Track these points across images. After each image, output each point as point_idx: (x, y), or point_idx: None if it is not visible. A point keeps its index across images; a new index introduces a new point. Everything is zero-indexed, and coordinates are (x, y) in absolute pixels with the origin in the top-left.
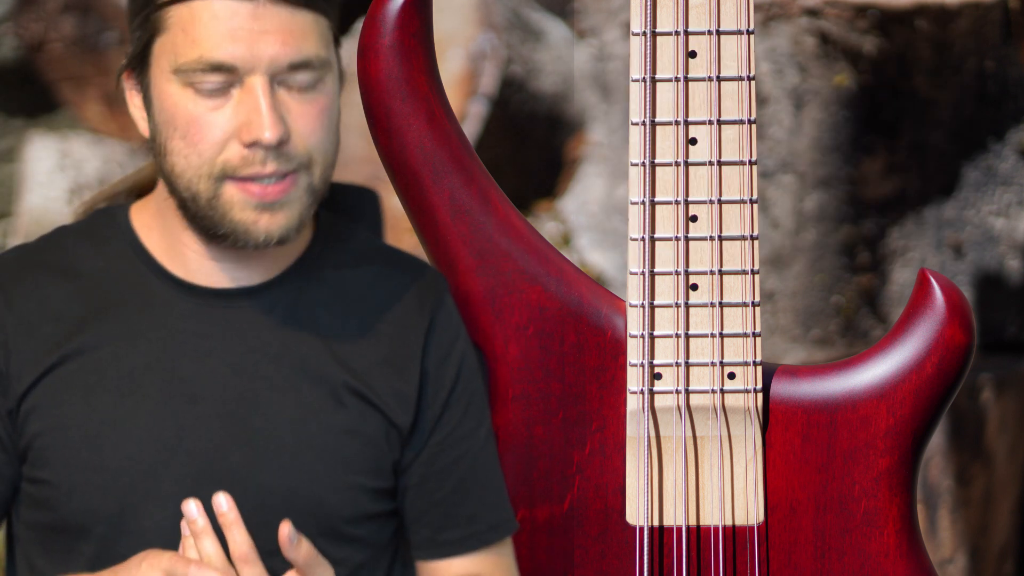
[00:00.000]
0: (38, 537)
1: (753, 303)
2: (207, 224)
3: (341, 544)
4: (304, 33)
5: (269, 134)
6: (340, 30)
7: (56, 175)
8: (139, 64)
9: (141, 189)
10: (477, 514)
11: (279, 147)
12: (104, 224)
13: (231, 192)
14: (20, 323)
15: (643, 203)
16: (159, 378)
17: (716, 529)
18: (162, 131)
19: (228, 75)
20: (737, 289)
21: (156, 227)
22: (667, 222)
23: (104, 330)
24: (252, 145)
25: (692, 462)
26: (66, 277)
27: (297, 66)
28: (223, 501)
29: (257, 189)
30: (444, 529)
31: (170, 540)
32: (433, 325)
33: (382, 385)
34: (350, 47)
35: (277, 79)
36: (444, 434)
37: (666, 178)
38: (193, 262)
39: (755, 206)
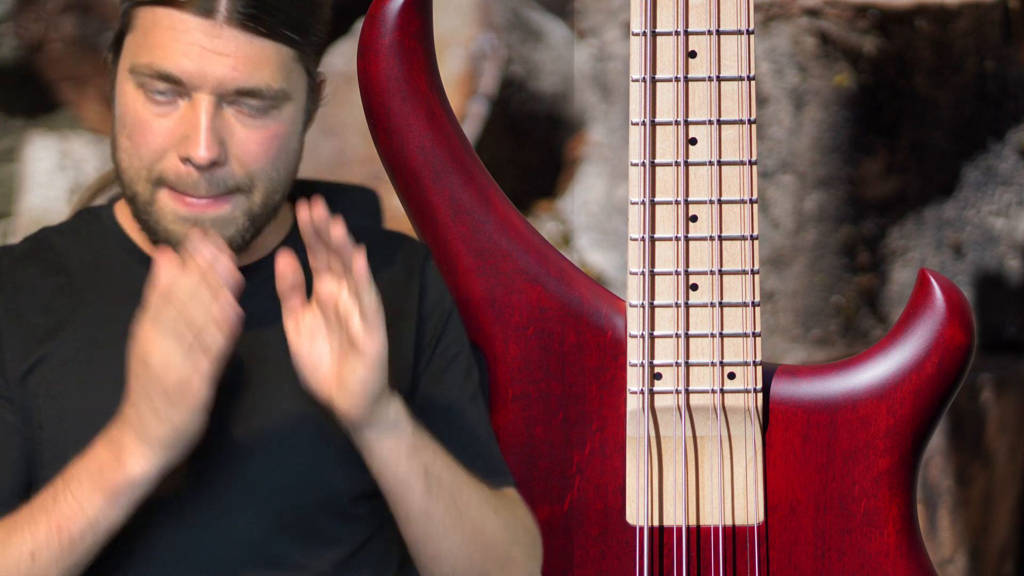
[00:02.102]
0: None
1: (753, 303)
2: (144, 227)
3: (342, 522)
4: (260, 62)
5: (203, 153)
6: (316, 61)
7: (56, 175)
8: (114, 54)
9: None
10: (470, 464)
11: (212, 168)
12: (89, 222)
13: (165, 200)
14: (8, 311)
15: (643, 203)
16: None
17: (716, 529)
18: (117, 124)
19: (175, 86)
20: (737, 289)
21: None
22: (667, 222)
23: (94, 320)
24: (186, 161)
25: (692, 462)
26: (54, 272)
27: (245, 92)
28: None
29: (191, 202)
30: None
31: (171, 518)
32: (424, 286)
33: None
34: (350, 47)
35: (225, 100)
36: (430, 381)
37: (666, 178)
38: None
39: (755, 206)
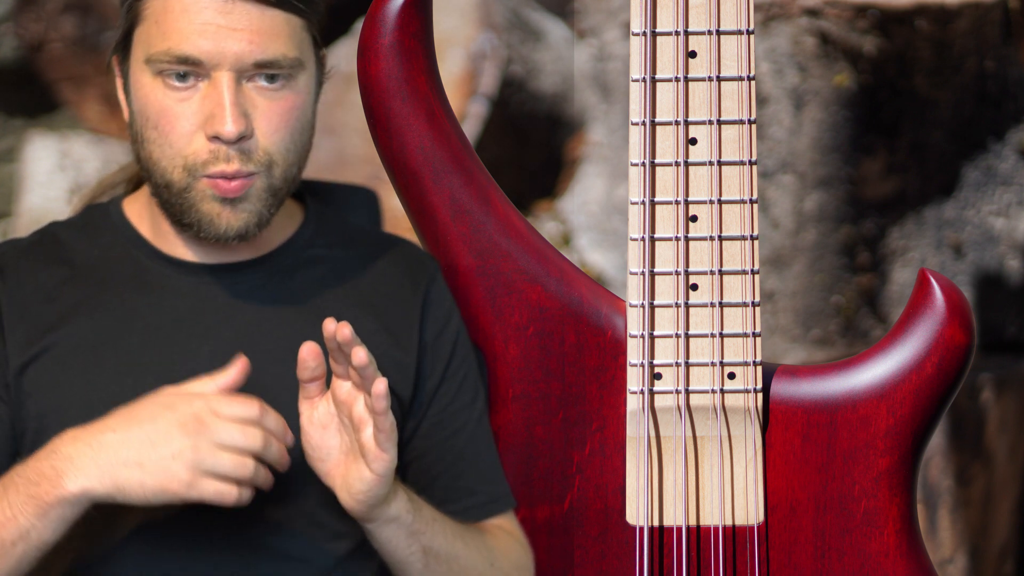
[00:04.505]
0: None
1: (753, 303)
2: (175, 212)
3: (342, 516)
4: (273, 33)
5: (230, 128)
6: (325, 32)
7: (56, 175)
8: (122, 51)
9: (140, 178)
10: (476, 487)
11: (241, 142)
12: (97, 217)
13: (202, 186)
14: (12, 298)
15: (643, 203)
16: (158, 355)
17: (716, 529)
18: (138, 119)
19: (195, 68)
20: (737, 289)
21: (147, 215)
22: (667, 222)
23: (100, 312)
24: (215, 139)
25: (692, 462)
26: (60, 264)
27: (263, 65)
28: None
29: (224, 184)
30: (445, 503)
31: (174, 515)
32: (428, 299)
33: (380, 355)
34: (350, 47)
35: (245, 75)
36: (441, 406)
37: (666, 178)
38: (184, 243)
39: (755, 206)
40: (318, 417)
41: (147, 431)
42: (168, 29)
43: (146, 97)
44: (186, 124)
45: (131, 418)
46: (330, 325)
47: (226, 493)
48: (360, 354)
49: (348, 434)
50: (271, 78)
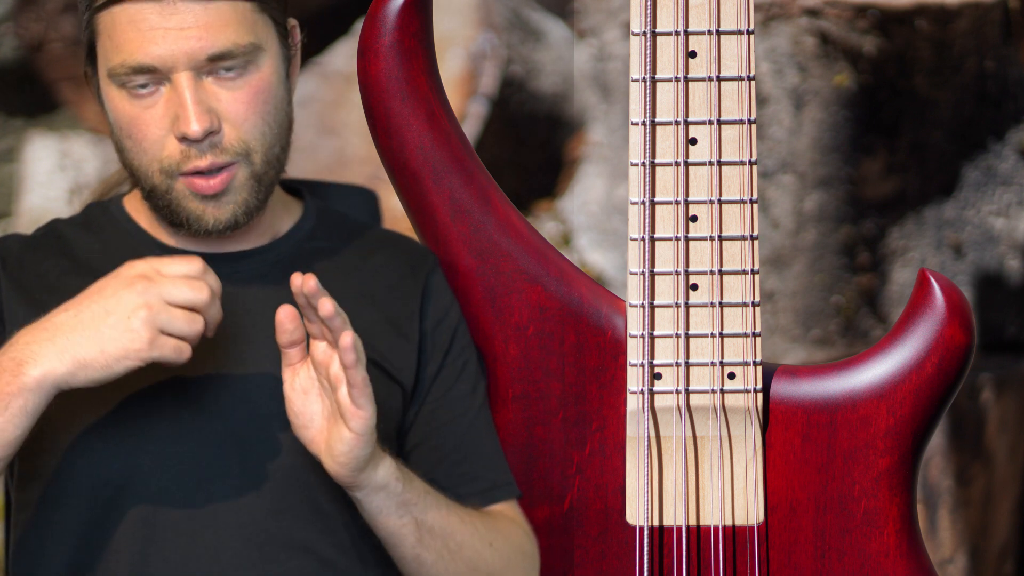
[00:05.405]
0: (34, 511)
1: (753, 303)
2: (166, 213)
3: (345, 506)
4: (221, 24)
5: (195, 128)
6: (282, 10)
7: (56, 175)
8: (91, 66)
9: None
10: (478, 473)
11: (210, 137)
12: (98, 214)
13: (180, 186)
14: (13, 285)
15: (643, 203)
16: None
17: (716, 529)
18: (115, 130)
19: (152, 75)
20: (737, 289)
21: (146, 210)
22: (667, 222)
23: None
24: (183, 139)
25: (692, 462)
26: (62, 257)
27: (217, 57)
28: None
29: (200, 182)
30: (447, 489)
31: (175, 500)
32: (428, 288)
33: (383, 344)
34: (350, 47)
35: (203, 71)
36: (441, 392)
37: (666, 178)
38: (184, 236)
39: (755, 206)
40: (300, 383)
41: (98, 302)
42: (119, 41)
43: (116, 109)
44: (156, 130)
45: (81, 297)
46: (296, 279)
47: (183, 350)
48: (326, 305)
49: (329, 398)
50: (229, 68)
